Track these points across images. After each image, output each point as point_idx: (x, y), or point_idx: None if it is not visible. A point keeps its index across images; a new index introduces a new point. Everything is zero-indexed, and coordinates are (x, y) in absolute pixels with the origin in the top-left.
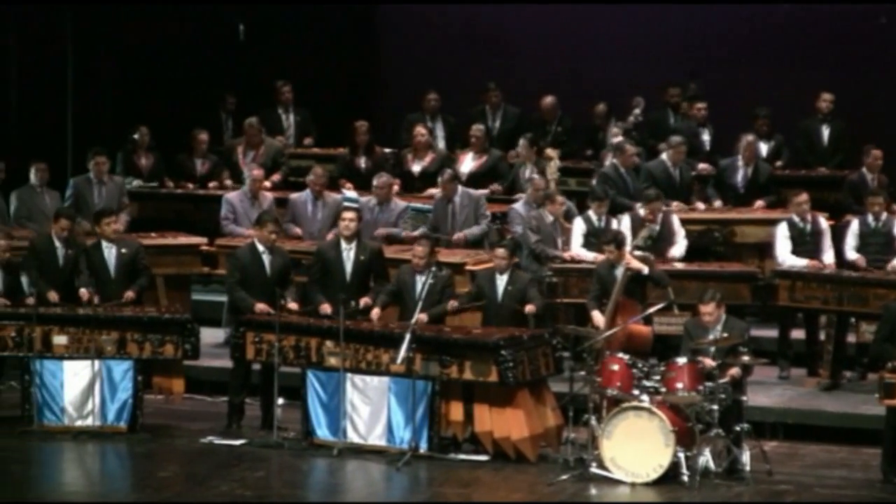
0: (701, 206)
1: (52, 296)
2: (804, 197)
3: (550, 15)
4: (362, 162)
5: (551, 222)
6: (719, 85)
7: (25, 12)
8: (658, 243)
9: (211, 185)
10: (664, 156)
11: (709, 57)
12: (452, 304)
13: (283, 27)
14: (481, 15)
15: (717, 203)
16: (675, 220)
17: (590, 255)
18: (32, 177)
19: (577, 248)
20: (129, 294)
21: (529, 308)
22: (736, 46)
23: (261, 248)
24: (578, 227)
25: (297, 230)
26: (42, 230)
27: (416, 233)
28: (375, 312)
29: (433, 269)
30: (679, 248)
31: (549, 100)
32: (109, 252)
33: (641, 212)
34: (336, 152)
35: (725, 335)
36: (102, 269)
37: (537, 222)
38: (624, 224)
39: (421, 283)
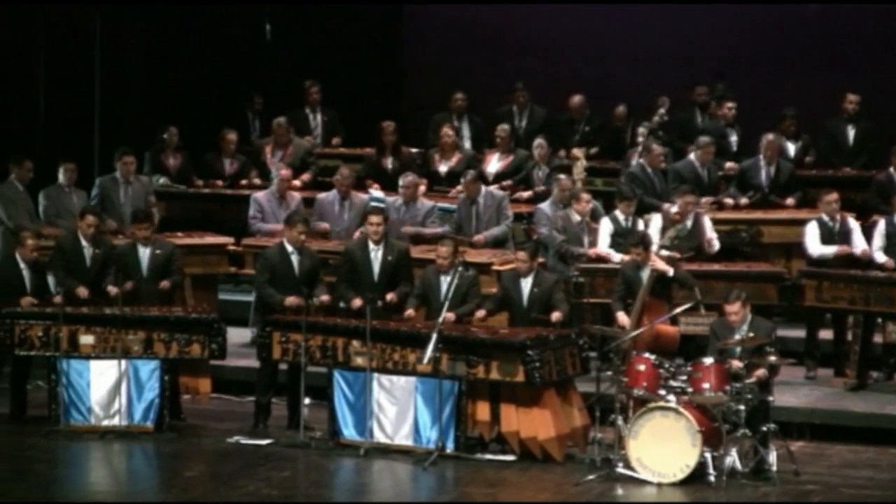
0: (730, 201)
1: (82, 291)
2: (834, 196)
3: (576, 15)
4: (389, 162)
5: (578, 222)
6: (746, 85)
7: (53, 12)
8: (688, 243)
9: (242, 183)
10: (692, 156)
11: (736, 57)
12: (480, 313)
13: (310, 27)
14: (507, 15)
15: (743, 200)
16: (707, 221)
17: (617, 256)
18: (61, 177)
19: (604, 249)
20: (165, 283)
21: (556, 316)
22: (763, 46)
23: (290, 248)
24: (605, 227)
25: (324, 225)
26: (69, 229)
27: (439, 230)
28: (410, 313)
29: (459, 268)
30: (714, 241)
31: (577, 99)
32: (143, 252)
33: (673, 209)
34: (363, 152)
35: (751, 335)
36: (135, 269)
37: (563, 222)
38: (655, 223)
39: (446, 283)
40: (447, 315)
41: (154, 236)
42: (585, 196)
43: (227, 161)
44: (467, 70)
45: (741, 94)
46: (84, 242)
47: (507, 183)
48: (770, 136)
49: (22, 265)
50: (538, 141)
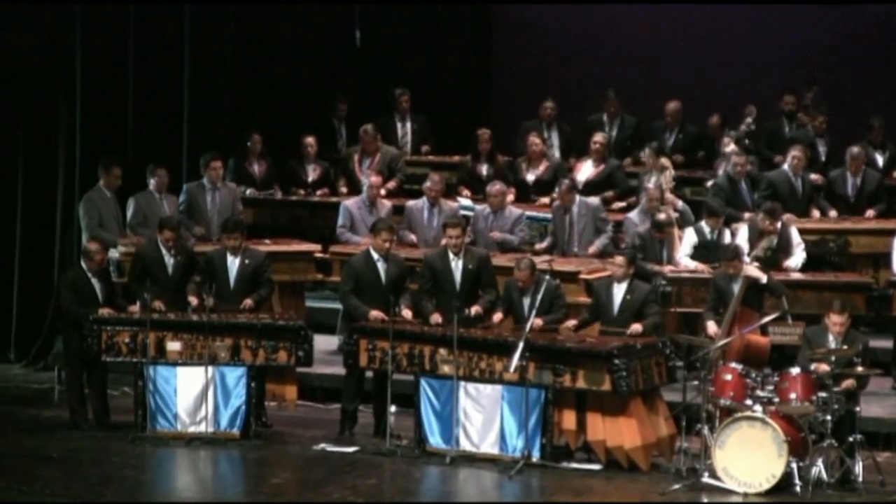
0: (817, 214)
1: (157, 304)
2: None
3: (666, 19)
4: (484, 170)
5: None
6: (834, 94)
7: (142, 17)
8: (776, 254)
9: (328, 192)
10: (786, 165)
11: (824, 64)
12: (570, 323)
13: (398, 33)
14: (596, 22)
15: (832, 213)
16: (794, 232)
17: (692, 265)
18: (151, 183)
19: (683, 259)
20: (248, 302)
21: (634, 328)
22: (851, 54)
23: (375, 255)
24: (689, 237)
25: (412, 237)
26: (153, 238)
27: (541, 246)
28: (498, 317)
29: (544, 277)
30: (796, 259)
31: (673, 105)
32: (232, 262)
33: (758, 219)
34: (450, 160)
35: (845, 347)
36: (223, 278)
37: (640, 238)
38: (742, 234)
39: (528, 300)
40: (535, 321)
41: (246, 244)
42: (662, 217)
43: (310, 167)
44: (557, 77)
45: (829, 102)
46: (164, 251)
47: (609, 195)
48: (855, 150)
49: (89, 274)
50: (647, 150)
